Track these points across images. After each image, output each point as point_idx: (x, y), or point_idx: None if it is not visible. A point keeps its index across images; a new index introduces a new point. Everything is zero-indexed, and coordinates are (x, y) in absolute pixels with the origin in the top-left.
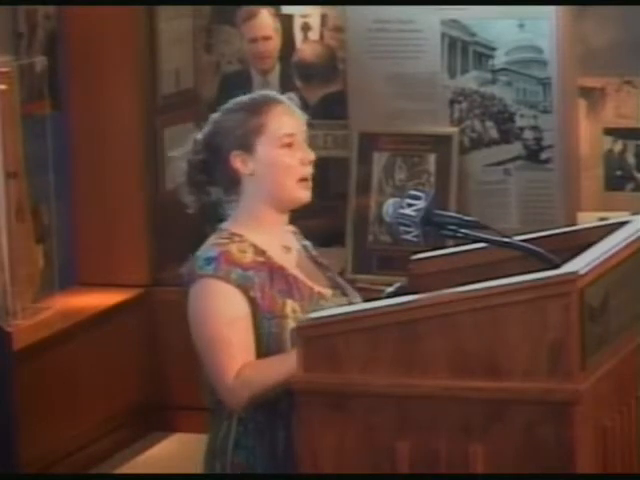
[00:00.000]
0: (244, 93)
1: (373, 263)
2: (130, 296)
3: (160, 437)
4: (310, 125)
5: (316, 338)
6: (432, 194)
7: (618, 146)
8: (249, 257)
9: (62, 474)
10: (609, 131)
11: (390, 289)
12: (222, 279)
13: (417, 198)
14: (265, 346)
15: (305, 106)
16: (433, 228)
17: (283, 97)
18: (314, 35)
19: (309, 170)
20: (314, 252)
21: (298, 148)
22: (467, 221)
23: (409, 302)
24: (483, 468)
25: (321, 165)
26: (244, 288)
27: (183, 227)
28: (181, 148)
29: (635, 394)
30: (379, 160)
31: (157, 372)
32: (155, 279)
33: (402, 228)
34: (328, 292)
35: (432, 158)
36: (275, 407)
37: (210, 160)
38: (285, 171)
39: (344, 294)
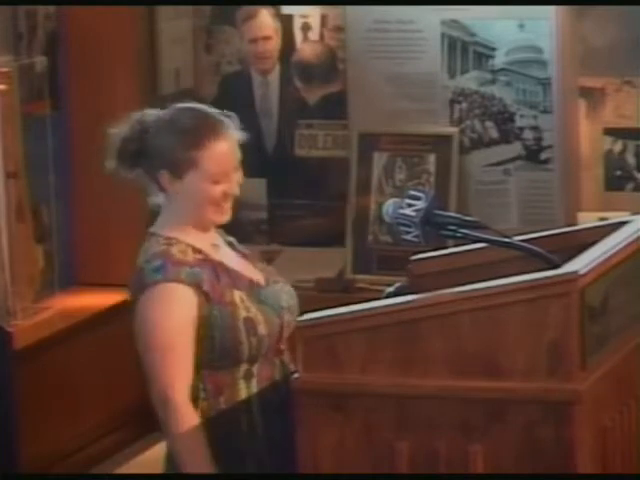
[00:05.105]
0: (244, 93)
1: (373, 263)
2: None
3: (160, 437)
4: (310, 125)
5: (316, 338)
6: (432, 194)
7: (618, 146)
8: (190, 256)
9: (62, 474)
10: (609, 131)
11: (390, 289)
12: (174, 281)
13: (417, 198)
14: (220, 335)
15: (305, 106)
16: (433, 228)
17: (225, 122)
18: (314, 35)
19: (230, 200)
20: (239, 247)
21: (225, 182)
22: (467, 221)
23: (409, 302)
24: (483, 468)
25: (321, 165)
26: (196, 284)
27: None
28: (121, 127)
29: (635, 394)
30: (379, 160)
31: None
32: None
33: (402, 228)
34: (262, 280)
35: (432, 158)
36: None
37: (140, 151)
38: (207, 202)
39: (274, 281)
